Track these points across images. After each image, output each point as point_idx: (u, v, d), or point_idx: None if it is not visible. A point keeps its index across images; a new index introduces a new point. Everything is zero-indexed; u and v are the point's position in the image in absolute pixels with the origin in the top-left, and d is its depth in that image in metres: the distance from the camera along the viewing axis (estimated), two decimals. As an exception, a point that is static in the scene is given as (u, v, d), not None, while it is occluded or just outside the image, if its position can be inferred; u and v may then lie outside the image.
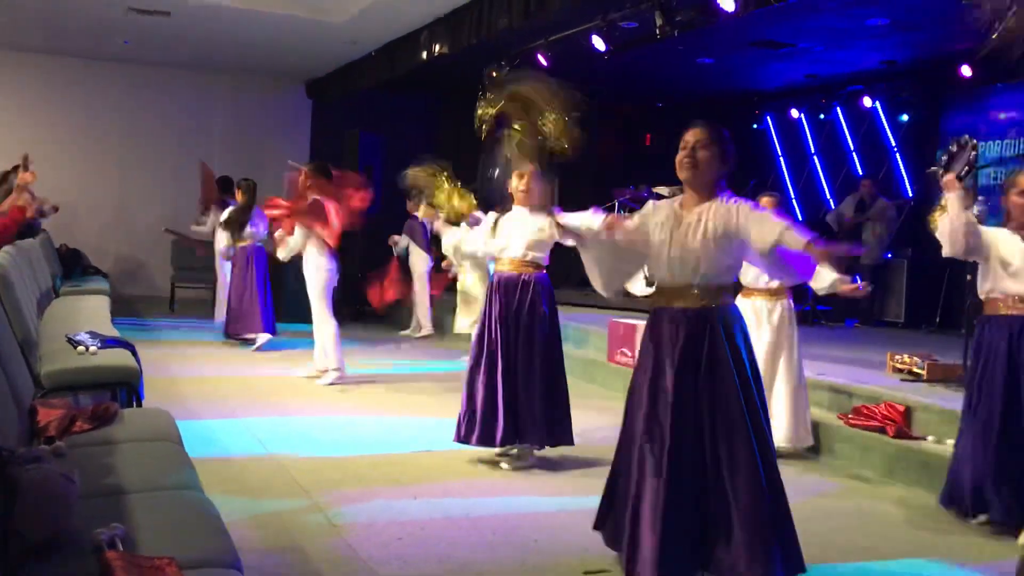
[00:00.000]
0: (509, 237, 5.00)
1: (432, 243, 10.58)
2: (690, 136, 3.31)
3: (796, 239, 3.10)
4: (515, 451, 4.99)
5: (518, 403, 4.85)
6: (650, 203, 3.53)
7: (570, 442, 4.98)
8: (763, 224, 3.19)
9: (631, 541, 3.16)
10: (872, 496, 4.73)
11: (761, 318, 5.36)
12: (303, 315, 7.89)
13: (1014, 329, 4.17)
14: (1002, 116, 9.94)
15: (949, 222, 4.16)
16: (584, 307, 10.64)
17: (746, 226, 3.20)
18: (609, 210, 5.10)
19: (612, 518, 3.42)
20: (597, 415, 6.23)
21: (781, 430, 5.22)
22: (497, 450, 5.00)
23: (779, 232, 3.13)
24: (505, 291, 4.95)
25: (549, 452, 5.07)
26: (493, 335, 4.91)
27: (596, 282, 3.61)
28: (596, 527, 3.52)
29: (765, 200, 5.25)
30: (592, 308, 10.44)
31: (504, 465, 4.94)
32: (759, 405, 3.24)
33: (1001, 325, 4.21)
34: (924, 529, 4.24)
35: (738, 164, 3.44)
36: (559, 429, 4.93)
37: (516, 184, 5.00)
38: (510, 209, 5.04)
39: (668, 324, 3.28)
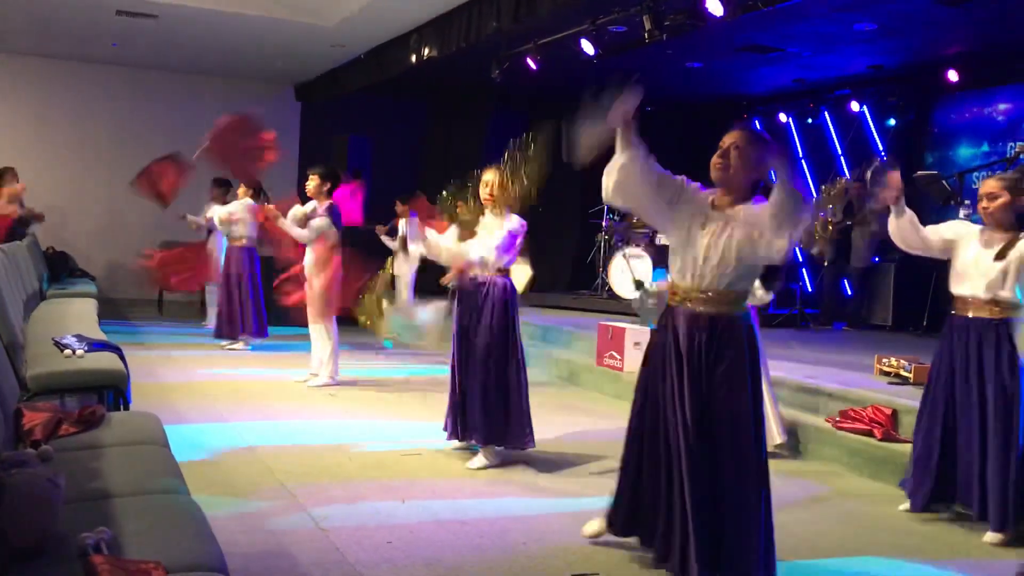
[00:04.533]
0: (475, 243, 5.03)
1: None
2: (727, 138, 3.31)
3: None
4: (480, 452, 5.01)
5: (466, 400, 4.98)
6: (689, 184, 3.44)
7: (520, 446, 4.95)
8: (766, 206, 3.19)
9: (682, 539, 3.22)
10: (859, 498, 4.74)
11: None
12: (296, 318, 7.81)
13: (962, 330, 4.35)
14: (996, 115, 9.99)
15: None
16: (572, 310, 10.67)
17: (764, 217, 3.17)
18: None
19: (638, 516, 3.47)
20: (584, 417, 6.25)
21: None
22: (457, 444, 5.19)
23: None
24: (469, 295, 5.01)
25: (537, 454, 5.07)
26: (456, 335, 5.05)
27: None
28: (610, 523, 3.59)
29: None
30: (580, 312, 10.47)
31: (470, 464, 4.94)
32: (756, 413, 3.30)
33: (955, 325, 4.42)
34: (910, 529, 4.26)
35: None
36: (507, 430, 4.93)
37: (481, 191, 5.03)
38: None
39: (684, 324, 3.31)
